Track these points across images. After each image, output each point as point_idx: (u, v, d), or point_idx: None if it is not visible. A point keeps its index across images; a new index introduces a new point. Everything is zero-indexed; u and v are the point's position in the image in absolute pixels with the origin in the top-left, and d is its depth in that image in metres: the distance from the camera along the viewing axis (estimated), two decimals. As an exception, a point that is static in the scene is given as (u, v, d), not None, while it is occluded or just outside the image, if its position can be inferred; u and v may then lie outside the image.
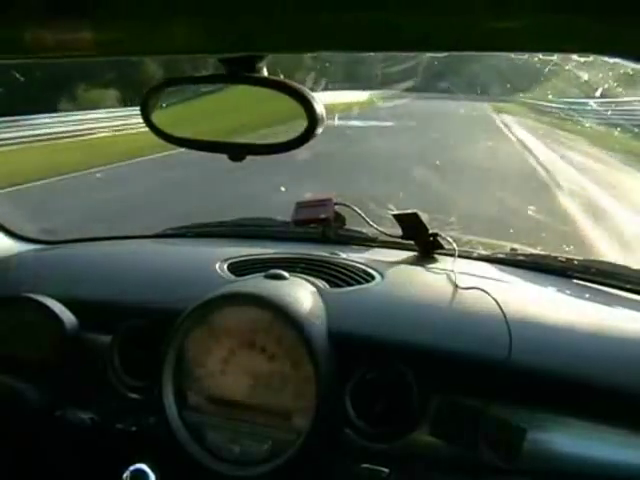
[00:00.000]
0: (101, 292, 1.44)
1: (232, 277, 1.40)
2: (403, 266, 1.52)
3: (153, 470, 1.16)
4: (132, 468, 1.16)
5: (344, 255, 1.51)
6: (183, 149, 0.90)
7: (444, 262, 1.44)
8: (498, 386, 1.13)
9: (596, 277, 1.44)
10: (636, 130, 5.70)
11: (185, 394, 1.23)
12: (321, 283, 1.33)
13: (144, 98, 0.85)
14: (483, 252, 1.58)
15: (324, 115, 0.77)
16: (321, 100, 0.77)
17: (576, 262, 1.49)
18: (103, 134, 12.07)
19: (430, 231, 1.54)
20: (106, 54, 0.67)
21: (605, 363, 1.14)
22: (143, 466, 1.16)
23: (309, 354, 1.14)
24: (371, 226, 1.61)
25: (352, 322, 1.23)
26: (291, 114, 0.78)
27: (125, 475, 1.15)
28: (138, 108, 0.85)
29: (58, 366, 1.31)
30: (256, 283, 1.29)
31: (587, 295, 1.42)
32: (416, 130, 12.05)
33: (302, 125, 0.78)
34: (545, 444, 1.09)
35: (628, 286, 1.40)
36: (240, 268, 1.44)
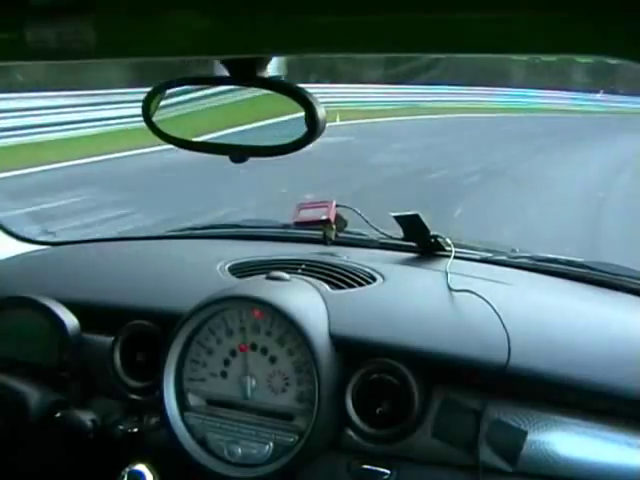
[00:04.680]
0: (102, 293, 1.44)
1: (233, 279, 1.40)
2: (404, 268, 1.52)
3: (153, 471, 1.16)
4: (129, 469, 1.16)
5: (345, 257, 1.51)
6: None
7: (445, 264, 1.44)
8: (498, 388, 1.13)
9: (596, 278, 1.44)
10: None
11: (186, 395, 1.23)
12: (322, 285, 1.33)
13: (146, 99, 0.85)
14: (484, 254, 1.58)
15: (325, 118, 0.77)
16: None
17: (576, 263, 1.49)
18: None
19: (431, 233, 1.54)
20: (108, 56, 0.67)
21: (605, 364, 1.14)
22: (140, 467, 1.15)
23: (310, 356, 1.14)
24: (372, 227, 1.62)
25: (353, 324, 1.23)
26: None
27: (122, 475, 1.15)
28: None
29: (59, 367, 1.31)
30: (257, 285, 1.29)
31: (586, 296, 1.42)
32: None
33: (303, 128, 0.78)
34: (546, 446, 1.09)
35: (628, 287, 1.40)
36: (241, 270, 1.44)
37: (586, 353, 1.17)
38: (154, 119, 0.86)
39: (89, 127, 9.48)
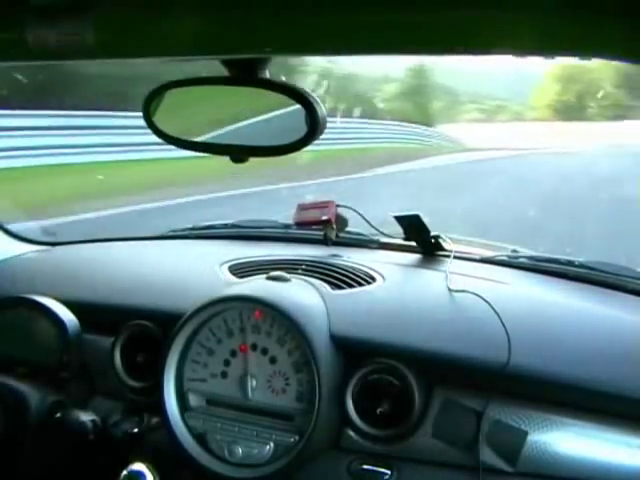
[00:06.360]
0: (103, 294, 1.44)
1: (234, 279, 1.40)
2: (405, 268, 1.52)
3: (153, 471, 1.16)
4: (129, 469, 1.16)
5: (346, 257, 1.51)
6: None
7: (446, 264, 1.44)
8: (498, 388, 1.13)
9: (596, 278, 1.44)
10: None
11: (186, 396, 1.23)
12: (323, 285, 1.33)
13: (146, 99, 0.85)
14: (485, 254, 1.58)
15: (325, 119, 0.77)
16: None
17: (576, 263, 1.49)
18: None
19: (432, 233, 1.54)
20: (108, 56, 0.67)
21: (605, 364, 1.14)
22: (140, 467, 1.16)
23: (311, 356, 1.14)
24: (373, 228, 1.62)
25: (354, 324, 1.23)
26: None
27: (122, 476, 1.15)
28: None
29: (59, 367, 1.31)
30: (258, 285, 1.29)
31: (586, 296, 1.42)
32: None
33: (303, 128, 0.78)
34: (546, 446, 1.09)
35: (628, 287, 1.40)
36: (242, 270, 1.44)
37: (586, 353, 1.17)
38: (155, 119, 0.86)
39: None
